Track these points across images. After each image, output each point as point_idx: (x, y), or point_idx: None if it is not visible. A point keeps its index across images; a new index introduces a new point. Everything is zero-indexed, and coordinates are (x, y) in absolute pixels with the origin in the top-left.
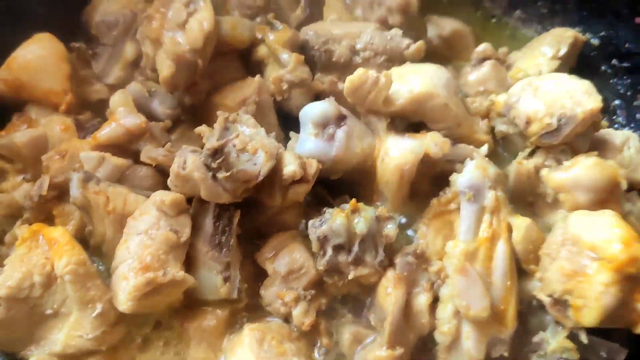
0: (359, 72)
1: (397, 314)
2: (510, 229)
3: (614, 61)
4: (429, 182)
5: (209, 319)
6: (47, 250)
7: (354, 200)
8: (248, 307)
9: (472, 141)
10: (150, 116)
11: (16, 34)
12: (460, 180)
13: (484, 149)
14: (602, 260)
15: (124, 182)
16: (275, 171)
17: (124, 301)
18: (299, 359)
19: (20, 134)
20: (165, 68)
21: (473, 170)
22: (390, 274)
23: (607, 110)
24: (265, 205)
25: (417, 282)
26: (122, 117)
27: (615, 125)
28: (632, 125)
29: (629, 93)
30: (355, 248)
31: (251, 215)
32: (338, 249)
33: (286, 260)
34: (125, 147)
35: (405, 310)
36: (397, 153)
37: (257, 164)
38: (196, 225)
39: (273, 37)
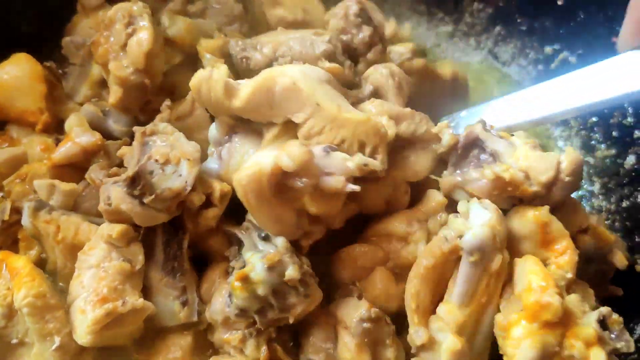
0: (197, 73)
1: None
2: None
3: None
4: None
5: (173, 350)
6: (9, 281)
7: (236, 274)
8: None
9: (336, 126)
10: (107, 135)
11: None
12: (468, 239)
13: (357, 160)
14: (521, 311)
15: (81, 206)
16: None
17: (83, 335)
18: None
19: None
20: (112, 93)
21: (485, 231)
22: (348, 341)
23: (584, 127)
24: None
25: (380, 341)
26: (77, 135)
27: (592, 142)
28: (609, 142)
29: (605, 111)
30: (274, 302)
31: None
32: (261, 311)
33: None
34: (82, 166)
35: None
36: (241, 167)
37: (183, 175)
38: (147, 254)
39: (203, 44)
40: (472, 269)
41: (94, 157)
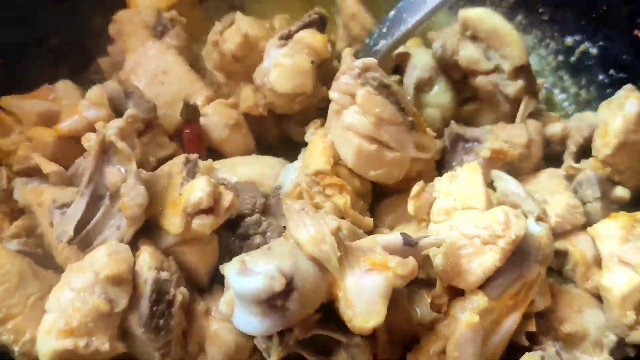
0: None
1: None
2: (529, 304)
3: (612, 71)
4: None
5: None
6: None
7: None
8: None
9: None
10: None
11: None
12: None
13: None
14: None
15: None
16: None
17: (43, 355)
18: None
19: (38, 103)
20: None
21: (542, 232)
22: None
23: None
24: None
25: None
26: (85, 109)
27: None
28: None
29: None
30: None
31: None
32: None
33: (219, 353)
34: None
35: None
36: (367, 314)
37: (121, 228)
38: (132, 300)
39: None
40: (512, 265)
41: None
